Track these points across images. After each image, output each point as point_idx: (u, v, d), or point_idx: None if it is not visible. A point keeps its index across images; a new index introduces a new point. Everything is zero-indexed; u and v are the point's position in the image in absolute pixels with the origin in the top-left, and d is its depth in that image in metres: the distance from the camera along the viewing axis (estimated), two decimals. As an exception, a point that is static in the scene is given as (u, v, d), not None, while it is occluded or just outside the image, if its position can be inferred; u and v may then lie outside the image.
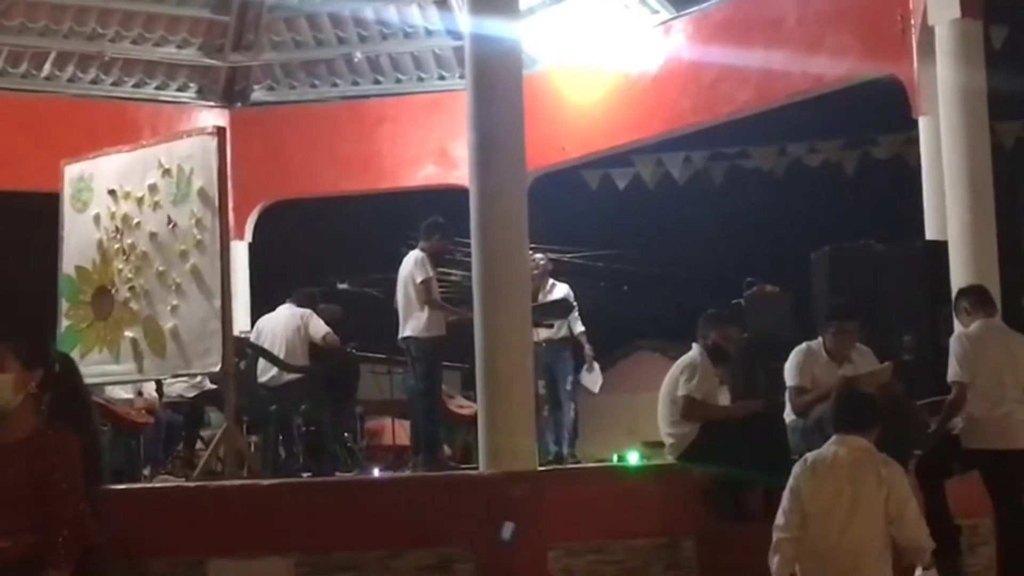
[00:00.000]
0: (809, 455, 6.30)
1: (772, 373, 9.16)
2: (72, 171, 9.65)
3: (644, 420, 11.03)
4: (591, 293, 18.64)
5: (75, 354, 9.15)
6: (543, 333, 10.66)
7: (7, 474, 4.24)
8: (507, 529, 7.36)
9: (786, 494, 6.16)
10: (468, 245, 8.58)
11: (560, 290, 11.12)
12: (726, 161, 16.52)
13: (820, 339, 8.54)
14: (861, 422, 6.22)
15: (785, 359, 8.59)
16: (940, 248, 9.26)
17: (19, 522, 4.21)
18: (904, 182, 12.72)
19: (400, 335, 9.92)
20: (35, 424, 4.33)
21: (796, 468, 6.21)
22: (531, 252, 10.83)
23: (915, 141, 10.72)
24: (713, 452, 8.17)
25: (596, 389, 11.37)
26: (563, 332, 11.00)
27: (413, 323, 9.80)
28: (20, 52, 13.13)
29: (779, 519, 6.12)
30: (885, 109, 12.49)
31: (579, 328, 11.11)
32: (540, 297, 10.75)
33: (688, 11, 11.86)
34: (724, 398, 9.51)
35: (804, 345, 8.56)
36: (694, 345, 8.65)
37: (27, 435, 4.30)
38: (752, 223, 23.09)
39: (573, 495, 8.00)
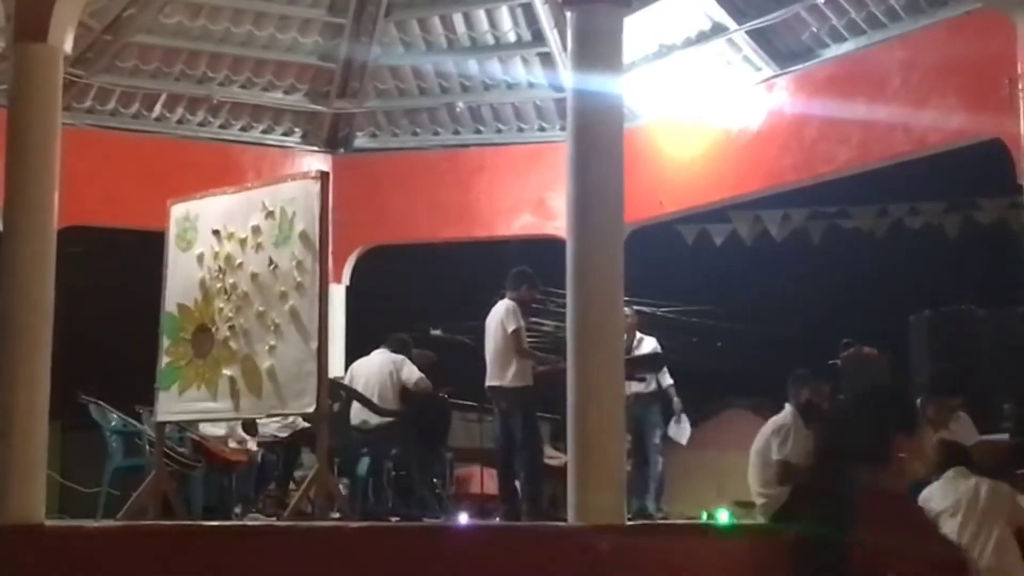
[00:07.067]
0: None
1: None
2: (178, 211, 9.80)
3: (733, 479, 10.89)
4: (684, 349, 18.57)
5: (174, 390, 9.40)
6: (634, 387, 10.62)
7: None
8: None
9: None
10: (562, 295, 8.59)
11: (648, 344, 11.10)
12: (825, 220, 16.38)
13: (918, 402, 8.43)
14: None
15: (880, 422, 8.47)
16: (1043, 315, 9.11)
17: None
18: (1007, 247, 12.52)
19: (487, 383, 9.94)
20: None
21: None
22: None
23: (1019, 206, 10.57)
24: (806, 513, 8.05)
25: (684, 441, 11.30)
26: (652, 386, 11.00)
27: (501, 373, 9.81)
28: (132, 93, 13.46)
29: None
30: (988, 172, 12.31)
31: (667, 381, 11.11)
32: (629, 351, 10.74)
33: (791, 69, 11.83)
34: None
35: (900, 409, 8.44)
36: (786, 405, 8.58)
37: None
38: (850, 284, 22.81)
39: (661, 551, 7.92)
